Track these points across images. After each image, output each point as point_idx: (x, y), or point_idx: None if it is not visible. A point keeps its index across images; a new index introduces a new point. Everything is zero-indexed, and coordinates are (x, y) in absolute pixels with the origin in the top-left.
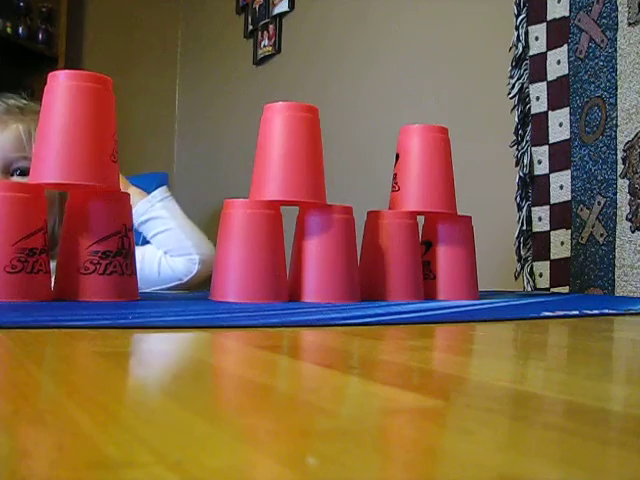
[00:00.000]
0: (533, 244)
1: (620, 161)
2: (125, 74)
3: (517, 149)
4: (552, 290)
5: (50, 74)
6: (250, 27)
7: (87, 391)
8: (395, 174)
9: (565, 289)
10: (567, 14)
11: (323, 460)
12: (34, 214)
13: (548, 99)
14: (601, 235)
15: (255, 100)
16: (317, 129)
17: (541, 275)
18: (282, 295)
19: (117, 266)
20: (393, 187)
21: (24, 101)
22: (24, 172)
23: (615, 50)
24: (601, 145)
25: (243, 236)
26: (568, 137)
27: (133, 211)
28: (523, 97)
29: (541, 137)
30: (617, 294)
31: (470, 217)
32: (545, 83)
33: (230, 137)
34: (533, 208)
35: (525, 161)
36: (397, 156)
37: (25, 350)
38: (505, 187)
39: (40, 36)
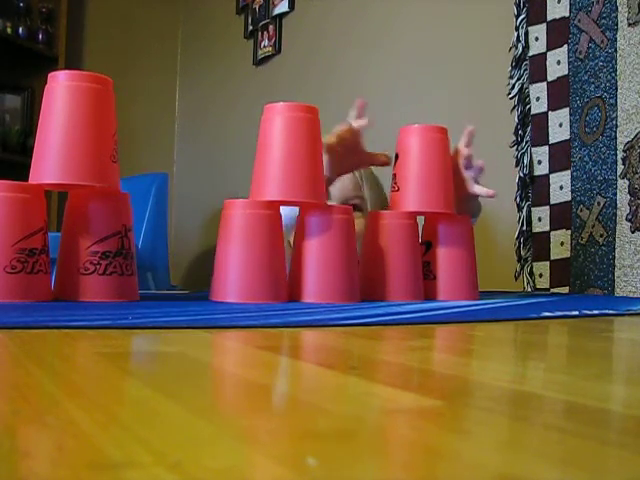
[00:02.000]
0: (533, 244)
1: (620, 161)
2: (125, 74)
3: (517, 149)
4: (552, 290)
5: (50, 74)
6: (250, 27)
7: (87, 391)
8: (394, 174)
9: (565, 289)
10: (567, 14)
11: (323, 460)
12: (34, 214)
13: (548, 99)
14: (601, 235)
15: (255, 100)
16: (317, 129)
17: (541, 275)
18: (282, 295)
19: (117, 266)
20: (392, 187)
21: None
22: (358, 209)
23: (615, 50)
24: (601, 145)
25: (243, 236)
26: (568, 137)
27: None
28: (523, 97)
29: (541, 137)
30: (617, 294)
31: (470, 217)
32: (545, 83)
33: (230, 137)
34: (533, 208)
35: (525, 161)
36: (396, 156)
37: (25, 350)
38: (505, 187)
39: (40, 36)
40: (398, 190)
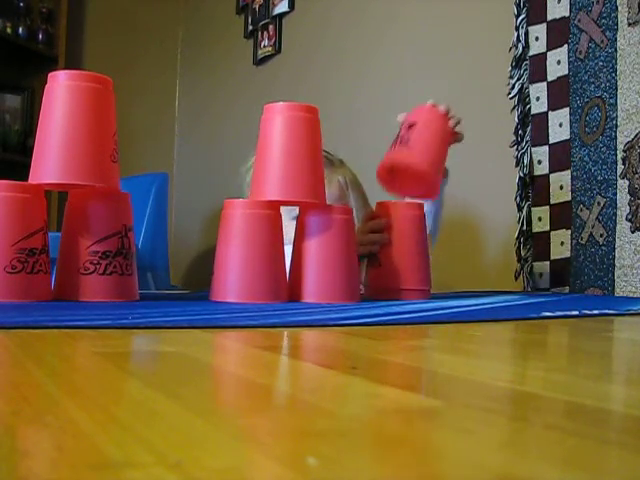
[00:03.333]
0: (533, 244)
1: (620, 161)
2: (125, 74)
3: (517, 149)
4: (552, 290)
5: (50, 74)
6: (250, 27)
7: (87, 391)
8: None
9: (565, 289)
10: (567, 14)
11: (323, 460)
12: (34, 214)
13: (548, 99)
14: (601, 235)
15: (255, 100)
16: (317, 129)
17: (541, 275)
18: (282, 295)
19: (117, 266)
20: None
21: (328, 153)
22: None
23: (615, 50)
24: (601, 145)
25: (243, 236)
26: (568, 137)
27: None
28: (523, 97)
29: (541, 137)
30: (617, 294)
31: (422, 204)
32: (545, 83)
33: (230, 137)
34: (533, 208)
35: (525, 161)
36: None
37: (25, 350)
38: (505, 187)
39: (40, 36)
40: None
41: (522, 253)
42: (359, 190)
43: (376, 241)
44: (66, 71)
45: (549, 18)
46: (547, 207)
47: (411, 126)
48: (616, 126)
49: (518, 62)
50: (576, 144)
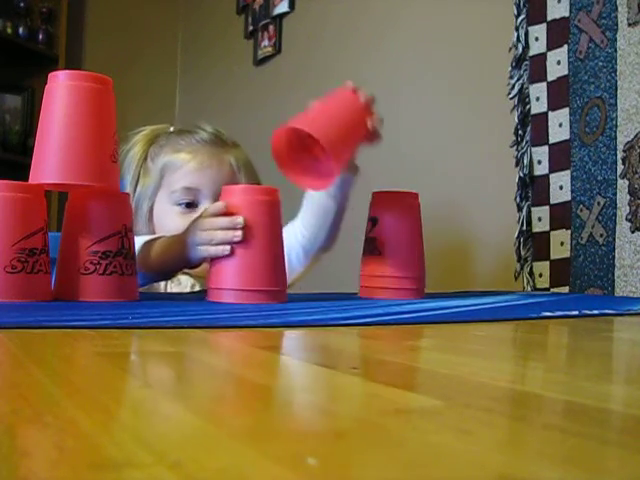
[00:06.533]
0: (533, 244)
1: (620, 161)
2: (125, 74)
3: (517, 149)
4: (552, 290)
5: (50, 74)
6: (250, 27)
7: (87, 391)
8: None
9: (565, 289)
10: (567, 14)
11: (323, 460)
12: (34, 214)
13: (548, 99)
14: (601, 235)
15: (255, 100)
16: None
17: (541, 275)
18: (281, 295)
19: (117, 266)
20: None
21: (220, 133)
22: None
23: (615, 50)
24: (601, 145)
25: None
26: (568, 137)
27: None
28: (523, 97)
29: (541, 137)
30: (617, 294)
31: (417, 194)
32: (545, 83)
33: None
34: (533, 208)
35: (525, 161)
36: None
37: (25, 350)
38: (505, 187)
39: (40, 36)
40: None
41: (522, 253)
42: (252, 175)
43: (221, 226)
44: (66, 71)
45: (549, 18)
46: (547, 207)
47: (322, 103)
48: (616, 126)
49: (518, 62)
50: (576, 144)
